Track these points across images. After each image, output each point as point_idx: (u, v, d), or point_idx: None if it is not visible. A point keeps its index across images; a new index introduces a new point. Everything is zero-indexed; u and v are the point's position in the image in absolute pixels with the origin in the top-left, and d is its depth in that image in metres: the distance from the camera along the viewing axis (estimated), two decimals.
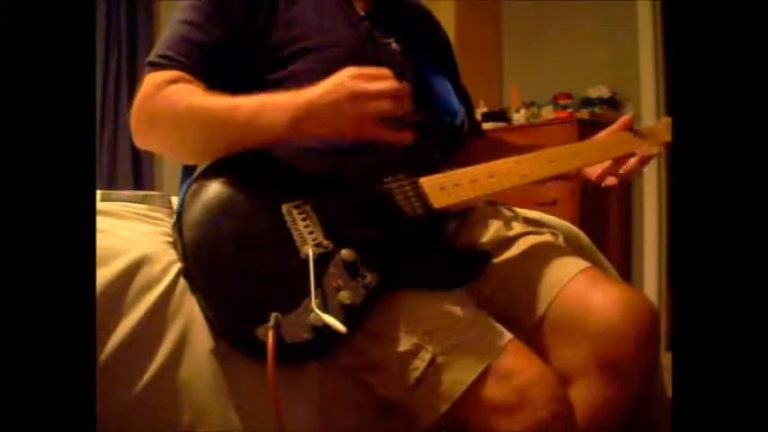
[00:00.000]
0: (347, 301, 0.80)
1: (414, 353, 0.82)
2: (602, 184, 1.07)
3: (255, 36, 0.97)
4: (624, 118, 1.13)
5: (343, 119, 0.83)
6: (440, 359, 0.81)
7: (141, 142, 0.95)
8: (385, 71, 0.86)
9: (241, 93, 0.97)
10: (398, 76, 1.03)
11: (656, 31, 3.10)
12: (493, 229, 1.03)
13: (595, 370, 0.86)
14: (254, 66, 0.97)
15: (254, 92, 0.97)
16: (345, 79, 0.84)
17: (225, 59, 0.96)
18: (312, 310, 0.78)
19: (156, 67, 0.95)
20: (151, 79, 0.94)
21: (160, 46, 0.97)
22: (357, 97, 0.83)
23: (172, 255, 0.86)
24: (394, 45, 1.09)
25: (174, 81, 0.92)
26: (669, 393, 1.09)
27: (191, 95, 0.90)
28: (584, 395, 0.85)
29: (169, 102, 0.90)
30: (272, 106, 0.87)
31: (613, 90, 3.16)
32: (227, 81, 0.95)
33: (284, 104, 0.86)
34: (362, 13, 1.07)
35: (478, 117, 3.27)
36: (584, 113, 3.03)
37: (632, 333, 0.86)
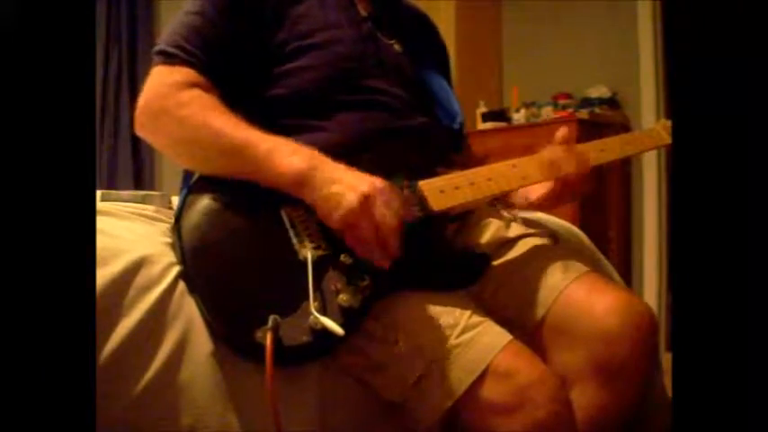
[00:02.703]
0: (346, 304, 0.81)
1: (414, 354, 0.82)
2: None
3: (263, 31, 0.97)
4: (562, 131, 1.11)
5: (337, 209, 0.81)
6: (439, 360, 0.81)
7: (142, 135, 0.93)
8: (401, 207, 0.84)
9: (244, 88, 0.97)
10: (394, 69, 1.03)
11: (656, 31, 3.10)
12: (492, 231, 1.03)
13: (592, 374, 0.86)
14: (260, 61, 0.97)
15: (256, 88, 0.97)
16: (369, 184, 0.82)
17: (235, 54, 0.95)
18: (311, 313, 0.78)
19: (168, 58, 0.92)
20: (163, 75, 0.92)
21: (172, 35, 0.94)
22: (365, 204, 0.80)
23: (171, 256, 0.86)
24: (396, 46, 1.09)
25: (189, 84, 0.90)
26: (669, 394, 1.09)
27: (204, 112, 0.88)
28: (581, 399, 0.85)
29: (183, 112, 0.88)
30: (284, 156, 0.85)
31: (613, 90, 3.16)
32: (234, 75, 0.95)
33: (299, 161, 0.84)
34: (365, 14, 1.08)
35: (478, 117, 3.30)
36: (584, 113, 3.03)
37: (629, 338, 0.86)
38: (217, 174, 0.89)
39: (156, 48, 0.94)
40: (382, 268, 0.83)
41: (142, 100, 0.91)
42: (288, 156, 0.85)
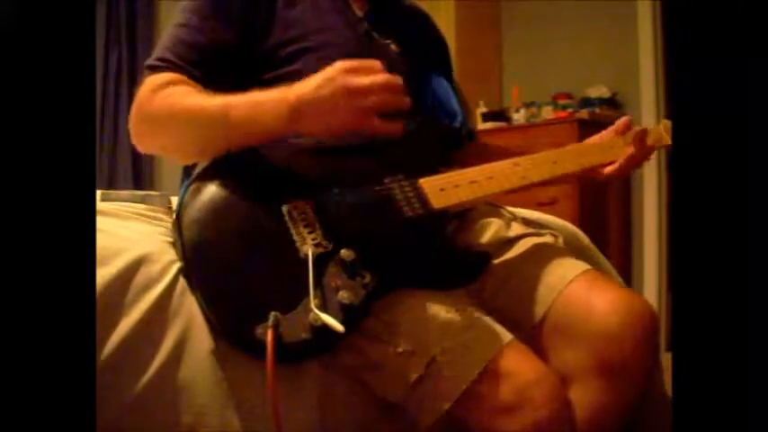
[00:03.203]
0: (346, 301, 0.80)
1: (413, 353, 0.82)
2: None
3: (254, 37, 0.98)
4: (624, 119, 1.13)
5: (337, 114, 0.83)
6: (439, 359, 0.81)
7: (141, 145, 0.96)
8: (376, 63, 0.85)
9: (238, 92, 0.97)
10: (390, 70, 1.04)
11: (656, 31, 3.10)
12: (492, 230, 1.03)
13: (593, 373, 0.86)
14: (253, 66, 0.97)
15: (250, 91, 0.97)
16: (337, 74, 0.83)
17: (222, 60, 0.96)
18: (311, 310, 0.78)
19: (153, 69, 0.95)
20: (148, 82, 0.94)
21: (158, 49, 0.97)
22: (351, 91, 0.82)
23: (171, 254, 0.86)
24: (393, 46, 1.09)
25: (171, 83, 0.92)
26: (669, 393, 1.09)
27: (186, 96, 0.91)
28: (582, 398, 0.85)
29: (166, 103, 0.91)
30: (265, 104, 0.86)
31: (613, 90, 3.16)
32: (225, 81, 0.96)
33: (277, 102, 0.86)
34: (360, 14, 1.08)
35: (478, 117, 3.30)
36: (584, 113, 3.03)
37: (630, 336, 0.86)
38: (217, 151, 0.90)
39: (145, 63, 0.97)
40: (386, 258, 0.85)
41: (132, 111, 0.94)
42: (270, 100, 0.86)
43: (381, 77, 0.84)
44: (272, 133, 0.87)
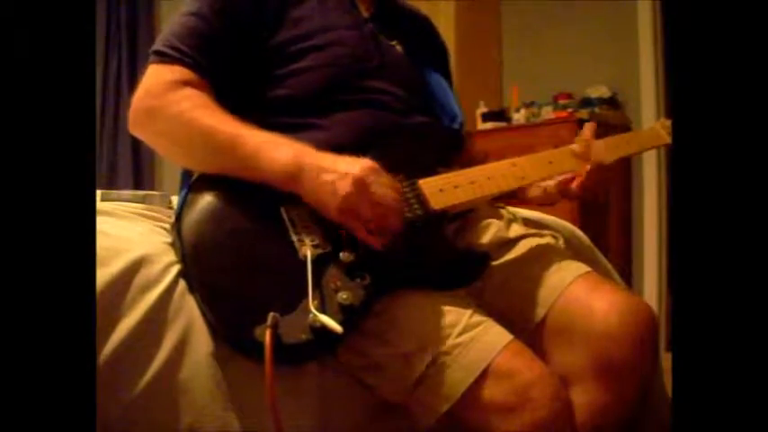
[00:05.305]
0: (346, 302, 0.80)
1: (414, 353, 0.82)
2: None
3: (263, 33, 0.97)
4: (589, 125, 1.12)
5: (333, 197, 0.82)
6: (440, 359, 0.81)
7: (136, 133, 0.94)
8: (398, 186, 0.86)
9: (244, 88, 0.97)
10: (396, 70, 1.04)
11: (656, 31, 3.10)
12: (493, 231, 1.03)
13: (593, 374, 0.86)
14: (260, 62, 0.97)
15: (257, 89, 0.97)
16: (363, 165, 0.83)
17: (232, 55, 0.96)
18: (310, 311, 0.78)
19: (163, 58, 0.93)
20: (158, 74, 0.92)
21: (168, 36, 0.95)
22: (360, 186, 0.82)
23: (171, 255, 0.86)
24: (397, 47, 1.09)
25: (182, 83, 0.91)
26: (669, 394, 1.09)
27: (196, 110, 0.88)
28: (581, 399, 0.85)
29: (174, 110, 0.88)
30: (272, 151, 0.85)
31: (613, 90, 3.16)
32: (232, 76, 0.95)
33: (286, 155, 0.85)
34: (366, 15, 1.08)
35: (478, 117, 3.30)
36: (584, 113, 3.02)
37: (630, 338, 0.86)
38: (210, 171, 0.89)
39: (153, 48, 0.95)
40: (385, 259, 0.85)
41: (136, 98, 0.92)
42: (275, 151, 0.85)
43: (397, 199, 0.85)
44: (264, 180, 0.85)
